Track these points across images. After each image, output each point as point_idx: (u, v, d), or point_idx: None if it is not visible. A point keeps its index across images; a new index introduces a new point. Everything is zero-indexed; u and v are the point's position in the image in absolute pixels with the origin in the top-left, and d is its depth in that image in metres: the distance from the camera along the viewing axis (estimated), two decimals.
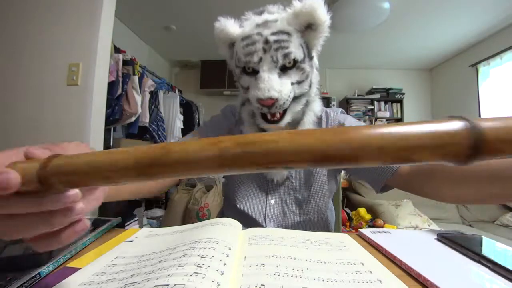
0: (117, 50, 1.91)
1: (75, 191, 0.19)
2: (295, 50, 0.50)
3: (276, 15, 0.52)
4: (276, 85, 0.49)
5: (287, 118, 0.54)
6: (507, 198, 0.36)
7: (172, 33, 2.78)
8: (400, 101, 3.46)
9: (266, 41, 0.49)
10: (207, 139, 0.16)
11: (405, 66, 3.58)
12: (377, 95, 3.49)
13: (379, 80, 3.59)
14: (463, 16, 2.32)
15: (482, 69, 2.76)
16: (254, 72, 0.52)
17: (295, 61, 0.51)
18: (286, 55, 0.49)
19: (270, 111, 0.51)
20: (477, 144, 0.13)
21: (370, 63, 3.50)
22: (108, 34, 1.35)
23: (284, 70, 0.51)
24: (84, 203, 0.20)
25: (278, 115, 0.52)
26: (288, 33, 0.50)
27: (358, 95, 3.52)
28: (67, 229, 0.20)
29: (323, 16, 0.49)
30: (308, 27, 0.51)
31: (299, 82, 0.53)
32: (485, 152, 0.13)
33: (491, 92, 2.67)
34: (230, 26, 0.54)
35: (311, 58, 0.55)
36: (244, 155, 0.15)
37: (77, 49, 1.28)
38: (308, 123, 0.58)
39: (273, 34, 0.49)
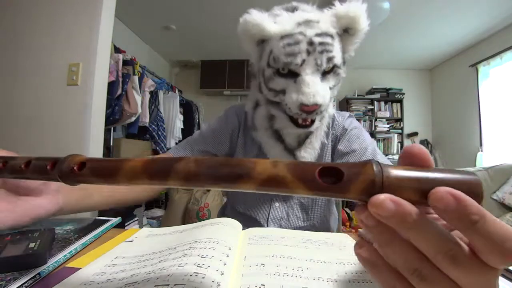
0: (117, 50, 1.91)
1: None
2: (337, 54, 0.48)
3: (317, 15, 0.49)
4: (321, 90, 0.46)
5: (317, 123, 0.52)
6: None
7: (172, 33, 2.78)
8: (400, 101, 3.46)
9: (311, 43, 0.45)
10: None
11: (405, 66, 3.57)
12: (377, 95, 3.49)
13: (379, 80, 3.59)
14: (463, 16, 2.32)
15: (482, 69, 2.75)
16: (292, 75, 0.48)
17: (333, 66, 0.48)
18: (330, 59, 0.46)
19: (308, 117, 0.48)
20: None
21: (370, 63, 3.49)
22: (108, 34, 1.35)
23: (323, 74, 0.48)
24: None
25: (309, 120, 0.50)
26: (331, 36, 0.47)
27: (358, 95, 3.52)
28: None
29: (364, 23, 0.48)
30: (345, 31, 0.49)
31: (334, 87, 0.50)
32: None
33: (491, 92, 2.66)
34: (266, 21, 0.48)
35: (344, 63, 0.53)
36: None
37: (77, 49, 1.28)
38: (325, 125, 0.58)
39: (317, 35, 0.46)
